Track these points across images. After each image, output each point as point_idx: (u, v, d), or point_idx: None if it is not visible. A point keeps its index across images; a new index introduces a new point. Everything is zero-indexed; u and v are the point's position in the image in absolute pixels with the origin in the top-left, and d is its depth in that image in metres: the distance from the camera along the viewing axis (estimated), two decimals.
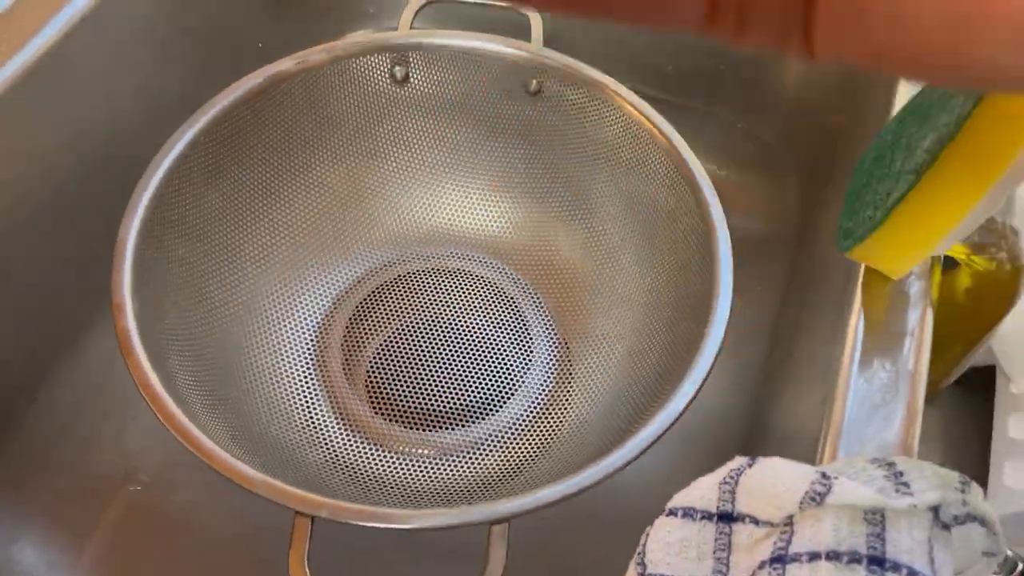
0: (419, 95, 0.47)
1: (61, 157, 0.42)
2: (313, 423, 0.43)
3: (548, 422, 0.44)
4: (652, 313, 0.43)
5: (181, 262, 0.40)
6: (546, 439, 0.43)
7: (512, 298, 0.47)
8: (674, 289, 0.42)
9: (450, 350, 0.46)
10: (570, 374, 0.45)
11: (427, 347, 0.46)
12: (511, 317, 0.47)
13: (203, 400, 0.37)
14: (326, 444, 0.42)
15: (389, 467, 0.42)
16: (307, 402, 0.44)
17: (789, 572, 0.26)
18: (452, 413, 0.44)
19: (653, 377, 0.39)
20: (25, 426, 0.45)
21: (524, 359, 0.46)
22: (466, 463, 0.42)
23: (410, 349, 0.46)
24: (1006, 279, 0.32)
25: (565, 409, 0.44)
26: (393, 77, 0.46)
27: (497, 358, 0.46)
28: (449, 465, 0.42)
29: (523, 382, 0.45)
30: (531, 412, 0.44)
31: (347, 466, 0.42)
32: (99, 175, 0.44)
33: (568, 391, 0.45)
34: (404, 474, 0.42)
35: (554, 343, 0.46)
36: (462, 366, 0.45)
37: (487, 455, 0.43)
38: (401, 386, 0.45)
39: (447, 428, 0.43)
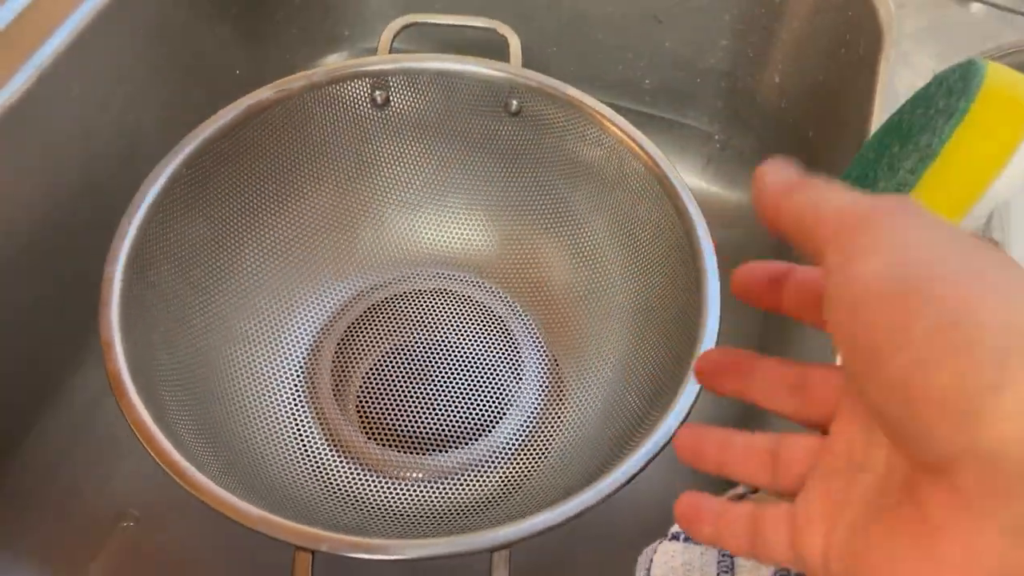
0: (400, 118, 0.47)
1: (40, 199, 0.42)
2: (307, 451, 0.43)
3: (542, 439, 0.44)
4: (641, 327, 0.43)
5: (167, 295, 0.40)
6: (541, 456, 0.43)
7: (500, 317, 0.48)
8: (662, 302, 0.42)
9: (440, 371, 0.46)
10: (561, 390, 0.45)
11: (417, 369, 0.46)
12: (500, 336, 0.47)
13: (196, 433, 0.37)
14: (320, 472, 0.42)
15: (385, 493, 0.42)
16: (299, 430, 0.44)
17: None
18: (445, 435, 0.44)
19: (646, 392, 0.40)
20: (14, 468, 0.44)
21: (515, 377, 0.46)
22: (462, 485, 0.42)
23: (400, 372, 0.46)
24: None
25: (558, 426, 0.44)
26: (374, 101, 0.46)
27: (488, 378, 0.46)
28: (445, 487, 0.42)
29: (515, 401, 0.45)
30: (524, 430, 0.44)
31: (343, 493, 0.42)
32: (80, 214, 0.44)
33: (560, 408, 0.45)
34: (401, 499, 0.42)
35: (544, 360, 0.46)
36: (453, 387, 0.45)
37: (482, 476, 0.43)
38: (393, 410, 0.45)
39: (441, 450, 0.43)
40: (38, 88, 0.39)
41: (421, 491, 0.42)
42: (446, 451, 0.43)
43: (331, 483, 0.42)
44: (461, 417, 0.44)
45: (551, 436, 0.44)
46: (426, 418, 0.44)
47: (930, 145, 0.27)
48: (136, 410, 0.33)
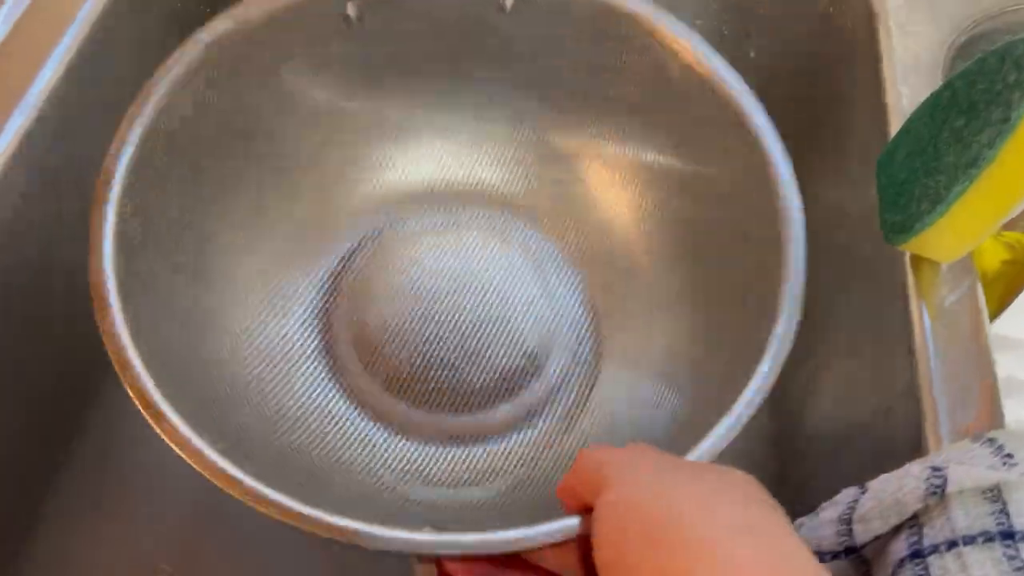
0: (380, 35, 0.41)
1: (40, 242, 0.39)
2: (349, 434, 0.39)
3: (587, 384, 0.41)
4: (705, 271, 0.39)
5: (161, 290, 0.35)
6: (584, 402, 0.41)
7: (522, 250, 0.44)
8: (730, 231, 0.38)
9: (468, 320, 0.41)
10: (600, 337, 0.42)
11: (443, 321, 0.41)
12: (529, 274, 0.43)
13: (254, 450, 0.34)
14: (370, 454, 0.39)
15: (444, 464, 0.39)
16: (334, 415, 0.40)
17: (932, 564, 0.27)
18: (486, 389, 0.40)
19: (717, 359, 0.36)
20: (39, 527, 0.41)
21: (551, 320, 0.42)
22: (514, 443, 0.40)
23: (426, 326, 0.41)
24: None
25: (602, 375, 0.41)
26: (347, 19, 0.40)
27: (521, 321, 0.41)
28: (494, 448, 0.40)
29: (553, 342, 0.41)
30: (569, 373, 0.41)
31: (406, 473, 0.38)
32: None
33: (601, 354, 0.42)
34: (462, 467, 0.39)
35: (580, 298, 0.43)
36: (485, 337, 0.41)
37: (533, 425, 0.40)
38: (425, 368, 0.40)
39: (484, 407, 0.40)
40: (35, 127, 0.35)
41: (478, 456, 0.39)
42: (491, 406, 0.40)
43: (390, 465, 0.38)
44: (500, 367, 0.40)
45: (597, 386, 0.41)
46: (463, 373, 0.40)
47: (1007, 119, 0.28)
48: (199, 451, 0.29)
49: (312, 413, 0.39)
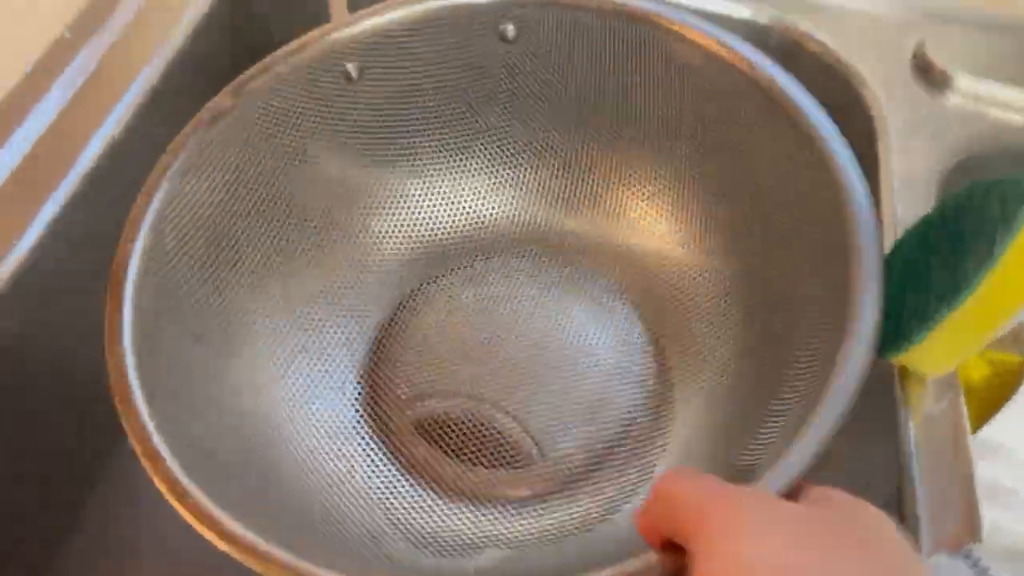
0: (383, 88, 0.41)
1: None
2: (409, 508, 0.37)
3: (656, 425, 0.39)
4: (764, 297, 0.38)
5: (204, 378, 0.35)
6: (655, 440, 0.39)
7: (575, 292, 0.43)
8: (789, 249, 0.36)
9: (522, 369, 0.39)
10: (664, 372, 0.40)
11: (496, 373, 0.40)
12: (580, 313, 0.42)
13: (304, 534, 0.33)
14: (428, 523, 0.37)
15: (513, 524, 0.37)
16: (390, 486, 0.38)
17: None
18: (550, 441, 0.39)
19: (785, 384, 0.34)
20: None
21: (613, 360, 0.40)
22: (583, 492, 0.38)
23: (478, 380, 0.40)
24: (1016, 367, 0.36)
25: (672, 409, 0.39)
26: (347, 76, 0.40)
27: (581, 367, 0.40)
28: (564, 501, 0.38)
29: (619, 387, 0.39)
30: (640, 413, 0.39)
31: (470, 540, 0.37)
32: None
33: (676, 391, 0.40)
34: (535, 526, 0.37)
35: (635, 331, 0.41)
36: (544, 387, 0.39)
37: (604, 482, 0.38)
38: (480, 427, 0.39)
39: (548, 460, 0.38)
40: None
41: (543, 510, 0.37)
42: (558, 458, 0.38)
43: (443, 533, 0.37)
44: (565, 416, 0.39)
45: (668, 419, 0.39)
46: (519, 431, 0.39)
47: (991, 252, 0.30)
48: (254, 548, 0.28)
49: (362, 482, 0.38)
